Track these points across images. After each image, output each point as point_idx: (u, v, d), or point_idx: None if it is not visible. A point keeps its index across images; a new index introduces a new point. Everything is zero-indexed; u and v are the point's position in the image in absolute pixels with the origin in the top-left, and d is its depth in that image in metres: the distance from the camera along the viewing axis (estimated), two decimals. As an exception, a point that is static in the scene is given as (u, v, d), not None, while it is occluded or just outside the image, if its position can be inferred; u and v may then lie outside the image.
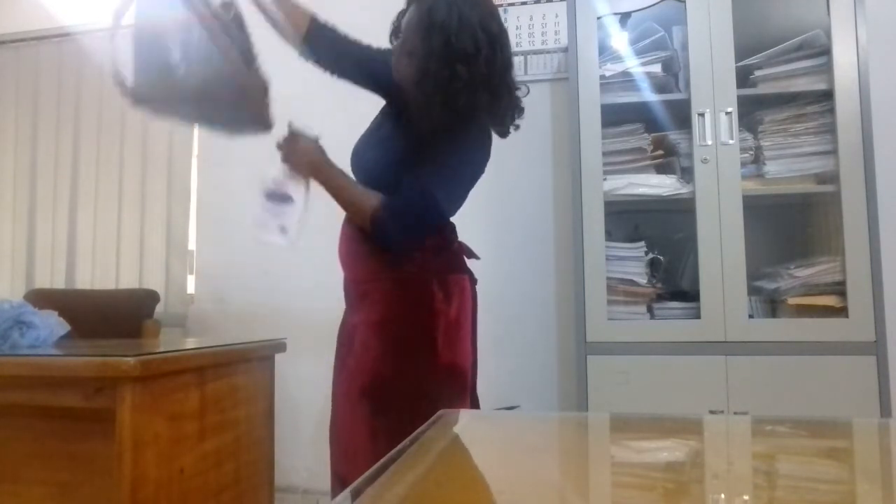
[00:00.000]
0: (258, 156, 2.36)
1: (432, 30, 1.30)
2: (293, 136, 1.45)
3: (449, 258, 1.50)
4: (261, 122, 1.46)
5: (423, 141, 1.38)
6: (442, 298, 1.42)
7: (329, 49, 1.59)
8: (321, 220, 1.52)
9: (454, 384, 1.44)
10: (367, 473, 0.57)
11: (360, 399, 1.41)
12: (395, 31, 1.49)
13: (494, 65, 1.38)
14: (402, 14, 1.45)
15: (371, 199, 1.39)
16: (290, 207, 1.45)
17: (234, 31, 1.42)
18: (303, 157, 1.44)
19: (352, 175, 1.48)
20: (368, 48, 1.62)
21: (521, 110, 1.48)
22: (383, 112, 1.59)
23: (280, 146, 1.46)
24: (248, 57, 1.43)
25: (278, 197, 1.46)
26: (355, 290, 1.50)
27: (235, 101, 1.42)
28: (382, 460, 0.61)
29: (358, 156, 1.52)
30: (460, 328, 1.45)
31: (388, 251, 1.42)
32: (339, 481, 1.47)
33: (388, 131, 1.51)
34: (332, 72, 1.61)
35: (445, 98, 1.32)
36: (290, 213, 1.45)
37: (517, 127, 1.49)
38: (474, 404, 1.53)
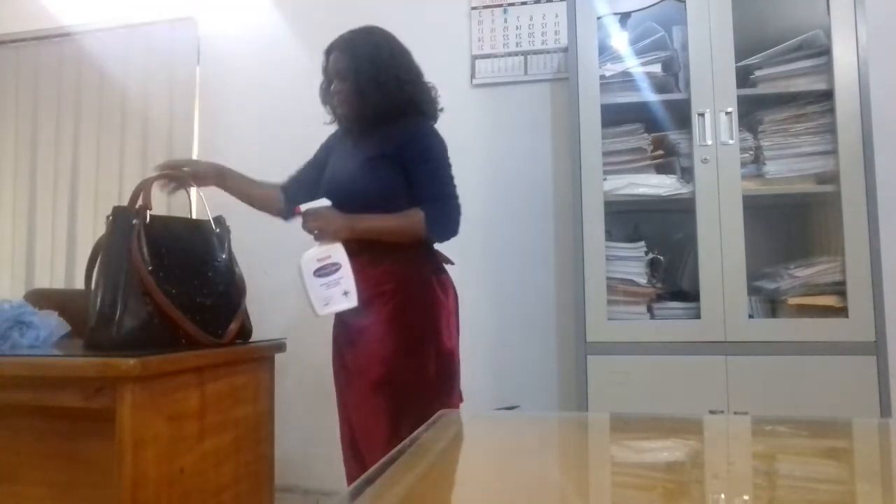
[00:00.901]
0: (258, 156, 2.39)
1: (367, 67, 1.71)
2: (309, 214, 1.64)
3: (437, 260, 1.77)
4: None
5: (403, 158, 1.69)
6: (441, 293, 1.70)
7: (301, 197, 1.84)
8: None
9: (454, 366, 1.73)
10: (366, 474, 0.57)
11: (376, 393, 1.63)
12: (330, 75, 1.79)
13: (411, 76, 1.78)
14: (328, 57, 1.79)
15: (413, 217, 1.66)
16: (341, 272, 1.62)
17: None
18: (333, 225, 1.64)
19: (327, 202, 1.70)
20: (314, 160, 1.93)
21: (438, 101, 1.84)
22: (341, 152, 1.84)
23: (308, 228, 1.65)
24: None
25: (328, 270, 1.63)
26: (359, 298, 1.65)
27: None
28: (382, 460, 0.61)
29: (345, 183, 1.74)
30: (454, 318, 1.76)
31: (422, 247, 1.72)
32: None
33: (363, 160, 1.73)
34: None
35: (389, 104, 1.71)
36: (344, 277, 1.62)
37: (442, 110, 1.84)
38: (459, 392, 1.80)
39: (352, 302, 1.60)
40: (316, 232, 1.64)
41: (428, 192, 1.69)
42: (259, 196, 1.91)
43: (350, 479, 1.73)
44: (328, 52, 1.79)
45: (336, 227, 1.65)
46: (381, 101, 1.71)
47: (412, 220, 1.66)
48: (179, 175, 1.73)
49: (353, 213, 1.69)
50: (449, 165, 1.75)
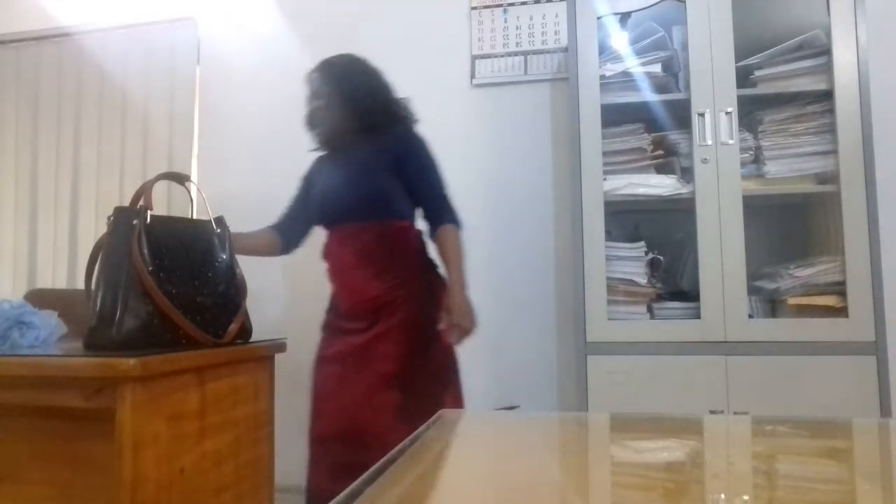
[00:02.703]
0: (258, 156, 2.39)
1: (343, 82, 1.89)
2: (456, 330, 1.78)
3: (435, 267, 1.91)
4: None
5: (396, 164, 1.83)
6: (441, 297, 1.82)
7: (297, 230, 2.04)
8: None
9: (454, 361, 1.87)
10: (366, 474, 0.57)
11: (389, 387, 1.75)
12: (308, 98, 1.93)
13: (384, 89, 1.95)
14: (312, 79, 1.93)
15: (452, 236, 1.84)
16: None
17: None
18: (464, 308, 1.78)
19: (325, 213, 1.90)
20: (301, 193, 2.04)
21: (411, 111, 1.97)
22: (330, 171, 1.95)
23: (461, 336, 1.80)
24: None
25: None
26: (367, 307, 1.82)
27: None
28: (382, 460, 0.61)
29: (344, 196, 1.85)
30: None
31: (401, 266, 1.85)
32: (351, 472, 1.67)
33: (359, 171, 1.84)
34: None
35: (369, 114, 1.87)
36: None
37: (417, 121, 1.97)
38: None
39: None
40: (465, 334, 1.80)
41: (429, 194, 1.86)
42: (254, 247, 1.97)
43: (319, 477, 1.85)
44: (307, 79, 1.93)
45: (472, 319, 1.80)
46: (360, 112, 1.85)
47: (454, 238, 1.84)
48: (181, 175, 1.73)
49: (352, 224, 1.83)
50: (437, 165, 1.89)
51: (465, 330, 1.78)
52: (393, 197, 1.83)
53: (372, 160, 1.83)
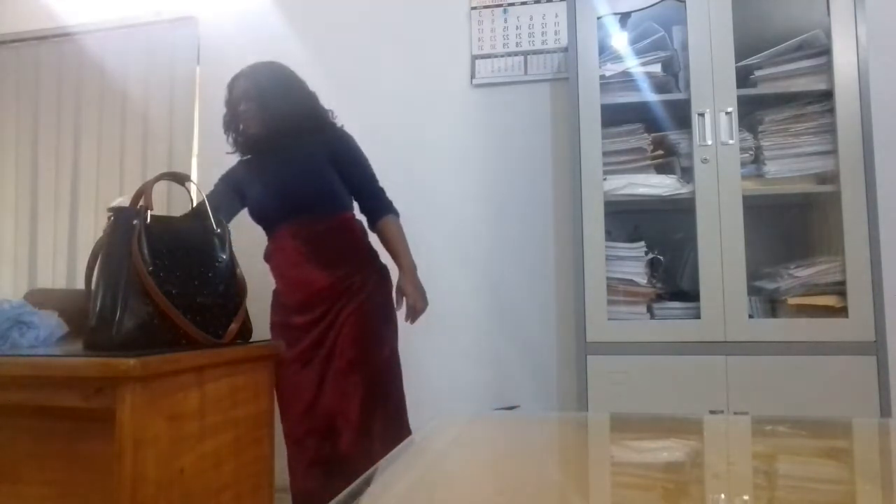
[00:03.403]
0: (258, 156, 2.31)
1: (271, 86, 1.97)
2: (411, 310, 1.95)
3: (377, 255, 2.03)
4: None
5: (333, 158, 1.95)
6: (388, 283, 1.99)
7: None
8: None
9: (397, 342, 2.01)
10: (366, 473, 0.57)
11: (349, 376, 1.85)
12: (235, 101, 1.98)
13: (310, 95, 2.03)
14: (230, 89, 2.00)
15: (394, 225, 2.00)
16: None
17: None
18: (418, 290, 1.95)
19: (277, 205, 1.94)
20: (224, 193, 2.05)
21: (330, 114, 2.06)
22: (261, 170, 2.01)
23: (415, 316, 1.96)
24: None
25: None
26: (320, 297, 1.89)
27: None
28: (382, 461, 0.61)
29: (291, 187, 1.93)
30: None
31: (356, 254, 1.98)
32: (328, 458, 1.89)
33: (302, 168, 1.94)
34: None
35: (297, 116, 1.96)
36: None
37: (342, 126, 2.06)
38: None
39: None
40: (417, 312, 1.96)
41: (367, 187, 2.00)
42: None
43: (299, 477, 1.90)
44: (230, 84, 1.99)
45: (425, 299, 1.97)
46: (294, 114, 1.93)
47: (396, 227, 1.99)
48: (182, 175, 1.73)
49: (300, 218, 1.90)
50: (367, 161, 2.02)
51: (419, 310, 1.94)
52: (336, 190, 1.94)
53: (311, 157, 1.93)
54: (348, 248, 1.95)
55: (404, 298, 1.94)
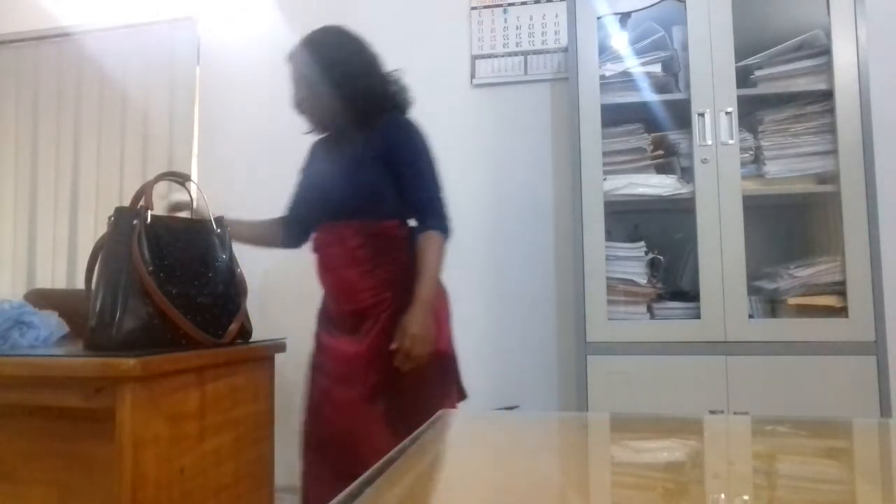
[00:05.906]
0: (258, 156, 2.39)
1: (323, 72, 1.69)
2: (401, 354, 1.58)
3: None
4: None
5: (386, 159, 1.68)
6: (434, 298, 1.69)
7: (299, 223, 1.88)
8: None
9: (450, 367, 1.75)
10: (366, 474, 0.57)
11: (372, 402, 1.63)
12: (299, 78, 1.75)
13: (372, 70, 1.75)
14: (296, 60, 1.75)
15: (434, 244, 1.65)
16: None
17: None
18: (420, 332, 1.58)
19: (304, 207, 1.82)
20: (297, 190, 1.91)
21: (406, 89, 1.80)
22: (322, 158, 1.85)
23: (405, 361, 1.59)
24: None
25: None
26: (350, 312, 1.70)
27: None
28: (382, 460, 0.61)
29: (331, 191, 1.72)
30: (446, 321, 1.77)
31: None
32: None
33: (347, 165, 1.71)
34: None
35: (354, 103, 1.70)
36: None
37: (411, 103, 1.82)
38: (461, 389, 1.81)
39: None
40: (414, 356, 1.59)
41: (420, 195, 1.69)
42: (251, 236, 1.89)
43: (317, 485, 1.75)
44: (290, 58, 1.77)
45: (426, 338, 1.59)
46: (351, 99, 1.69)
47: (435, 247, 1.65)
48: (182, 175, 1.73)
49: (339, 221, 1.69)
50: (433, 161, 1.72)
51: (413, 357, 1.58)
52: (381, 194, 1.68)
53: (361, 153, 1.70)
54: (383, 262, 1.69)
55: (399, 334, 1.60)
